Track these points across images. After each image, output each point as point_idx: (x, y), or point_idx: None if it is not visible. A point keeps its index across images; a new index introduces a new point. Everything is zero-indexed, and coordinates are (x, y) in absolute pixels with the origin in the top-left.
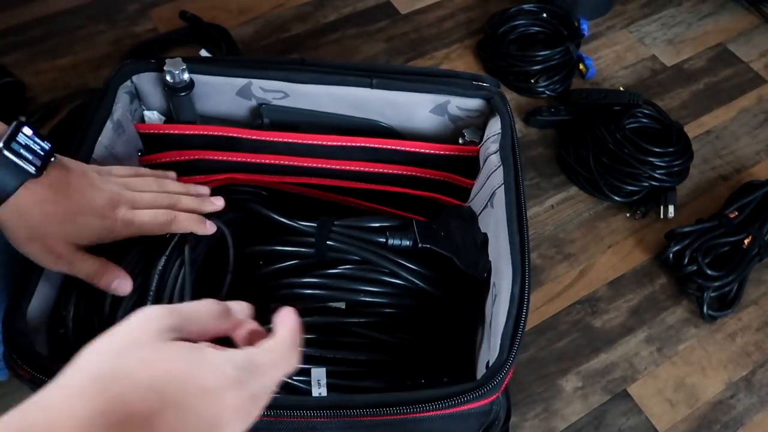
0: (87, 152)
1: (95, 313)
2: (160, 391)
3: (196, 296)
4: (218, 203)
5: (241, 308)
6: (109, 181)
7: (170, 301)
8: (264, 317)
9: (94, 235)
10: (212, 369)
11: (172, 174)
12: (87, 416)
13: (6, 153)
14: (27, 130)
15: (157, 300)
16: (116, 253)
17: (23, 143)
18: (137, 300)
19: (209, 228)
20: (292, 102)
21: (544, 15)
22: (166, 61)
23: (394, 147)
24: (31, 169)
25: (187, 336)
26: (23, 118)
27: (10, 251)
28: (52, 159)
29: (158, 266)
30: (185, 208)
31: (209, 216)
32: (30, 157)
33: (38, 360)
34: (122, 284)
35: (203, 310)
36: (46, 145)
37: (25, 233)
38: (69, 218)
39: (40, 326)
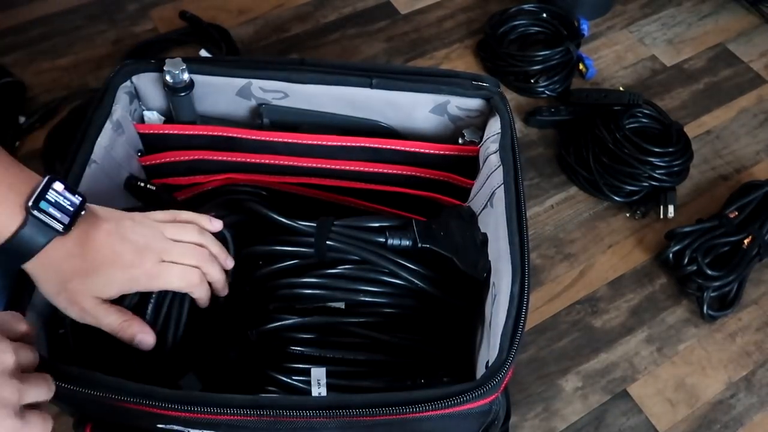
0: (86, 152)
1: None
2: None
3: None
4: (224, 293)
5: None
6: (144, 226)
7: (170, 304)
8: (264, 316)
9: (119, 287)
10: None
11: (218, 224)
12: None
13: (35, 213)
14: (58, 186)
15: (159, 303)
16: None
17: (53, 200)
18: (139, 302)
19: (205, 305)
20: (292, 102)
21: (544, 15)
22: (166, 61)
23: (394, 147)
24: (59, 227)
25: None
26: (54, 177)
27: None
28: (82, 212)
29: None
30: (212, 274)
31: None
32: (58, 215)
33: None
34: (145, 338)
35: None
36: (77, 200)
37: (53, 287)
38: (93, 272)
39: (39, 327)
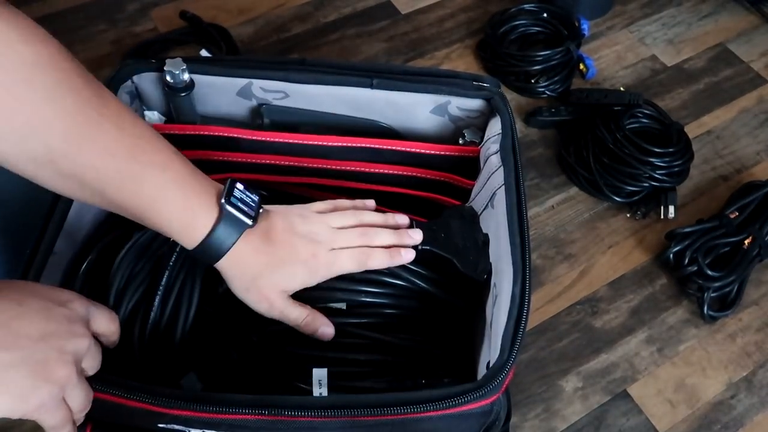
0: None
1: None
2: None
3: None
4: (416, 237)
5: None
6: (310, 221)
7: (179, 296)
8: (265, 317)
9: (300, 281)
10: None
11: (371, 203)
12: None
13: (228, 207)
14: (240, 186)
15: (165, 297)
16: (118, 247)
17: (239, 197)
18: (144, 293)
19: (405, 257)
20: (292, 102)
21: (545, 15)
22: (166, 61)
23: (394, 147)
24: (248, 221)
25: None
26: (234, 179)
27: (9, 239)
28: (261, 209)
29: (168, 264)
30: (382, 244)
31: None
32: (246, 209)
33: None
34: (327, 331)
35: None
36: (255, 197)
37: (243, 282)
38: (278, 267)
39: None
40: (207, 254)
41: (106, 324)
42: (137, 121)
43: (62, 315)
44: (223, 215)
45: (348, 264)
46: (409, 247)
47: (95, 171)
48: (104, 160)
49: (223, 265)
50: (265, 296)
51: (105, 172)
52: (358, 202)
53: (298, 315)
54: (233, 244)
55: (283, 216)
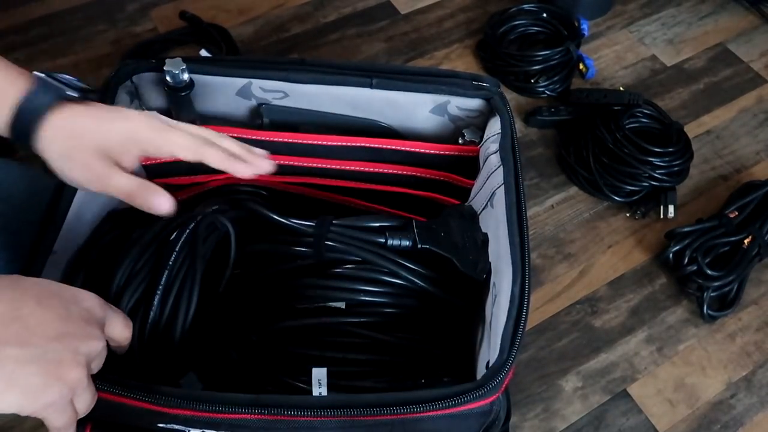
0: None
1: None
2: None
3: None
4: (265, 164)
5: None
6: None
7: (178, 295)
8: (265, 316)
9: (120, 136)
10: None
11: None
12: None
13: (42, 75)
14: (67, 76)
15: (164, 297)
16: (117, 246)
17: (61, 79)
18: (144, 292)
19: (242, 170)
20: (292, 102)
21: (544, 15)
22: (166, 61)
23: (394, 147)
24: (68, 90)
25: None
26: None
27: (10, 236)
28: (90, 96)
29: (167, 264)
30: (227, 148)
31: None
32: (69, 84)
33: None
34: (163, 203)
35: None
36: (83, 85)
37: (58, 150)
38: (101, 125)
39: None
40: (22, 124)
41: (120, 330)
42: None
43: (80, 316)
44: (38, 82)
45: (181, 139)
46: (252, 164)
47: None
48: None
49: (46, 135)
50: (84, 163)
51: None
52: None
53: (127, 182)
54: (52, 103)
55: None
